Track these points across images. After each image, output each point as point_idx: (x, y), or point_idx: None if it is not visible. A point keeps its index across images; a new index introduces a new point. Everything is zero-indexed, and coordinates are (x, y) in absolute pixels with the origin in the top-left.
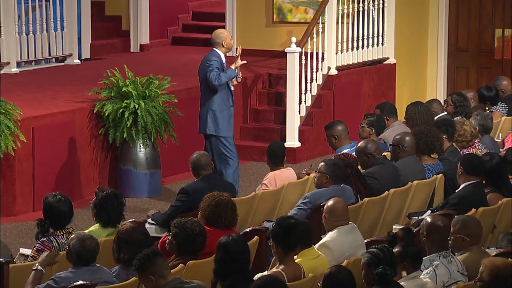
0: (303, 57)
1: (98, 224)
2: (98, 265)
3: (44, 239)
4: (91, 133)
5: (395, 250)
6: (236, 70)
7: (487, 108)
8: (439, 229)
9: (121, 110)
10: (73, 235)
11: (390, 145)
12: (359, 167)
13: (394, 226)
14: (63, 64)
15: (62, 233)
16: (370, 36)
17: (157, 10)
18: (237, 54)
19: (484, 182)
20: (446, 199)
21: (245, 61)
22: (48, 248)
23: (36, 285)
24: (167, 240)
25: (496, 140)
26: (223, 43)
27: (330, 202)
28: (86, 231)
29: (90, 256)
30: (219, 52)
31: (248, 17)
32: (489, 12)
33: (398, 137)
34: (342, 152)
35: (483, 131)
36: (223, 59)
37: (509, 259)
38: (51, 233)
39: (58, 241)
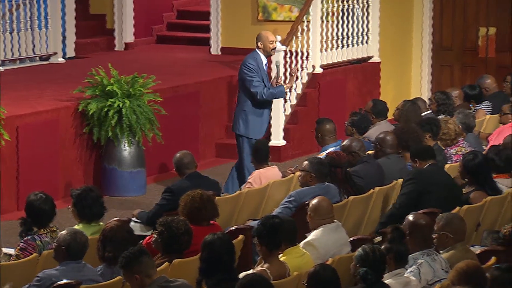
0: (288, 55)
1: (81, 223)
2: (83, 262)
3: (28, 237)
4: (75, 132)
5: (383, 246)
6: (286, 89)
7: (471, 107)
8: (421, 228)
9: (105, 109)
10: (62, 231)
11: (372, 143)
12: None
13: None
14: (47, 62)
15: (46, 232)
16: (355, 34)
17: (142, 9)
18: (293, 74)
19: (467, 180)
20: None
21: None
22: (32, 246)
23: None
24: (153, 239)
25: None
26: (259, 44)
27: (314, 201)
28: None
29: (80, 251)
30: (259, 53)
31: (233, 15)
32: (473, 10)
33: (380, 136)
34: (334, 151)
35: (465, 129)
36: (263, 61)
37: (494, 257)
38: (35, 231)
39: (42, 239)
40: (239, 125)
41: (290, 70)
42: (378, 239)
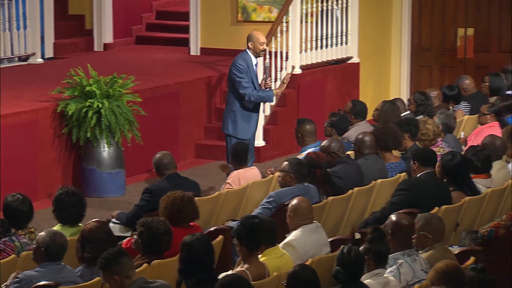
0: (267, 56)
1: (59, 224)
2: (63, 264)
3: (6, 239)
4: (54, 133)
5: (362, 246)
6: (276, 96)
7: (450, 107)
8: (403, 228)
9: (84, 110)
10: (42, 232)
11: (353, 143)
12: None
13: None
14: (26, 63)
15: (24, 233)
16: (334, 35)
17: (121, 9)
18: (284, 81)
19: (445, 180)
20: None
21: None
22: (10, 248)
23: None
24: (133, 240)
25: (458, 138)
26: (250, 45)
27: (294, 201)
28: None
29: (59, 252)
30: (249, 54)
31: (212, 16)
32: (452, 11)
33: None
34: (313, 151)
35: (446, 130)
36: (253, 62)
37: (472, 257)
38: (13, 233)
39: (20, 240)
40: (228, 125)
41: (283, 76)
42: (358, 235)
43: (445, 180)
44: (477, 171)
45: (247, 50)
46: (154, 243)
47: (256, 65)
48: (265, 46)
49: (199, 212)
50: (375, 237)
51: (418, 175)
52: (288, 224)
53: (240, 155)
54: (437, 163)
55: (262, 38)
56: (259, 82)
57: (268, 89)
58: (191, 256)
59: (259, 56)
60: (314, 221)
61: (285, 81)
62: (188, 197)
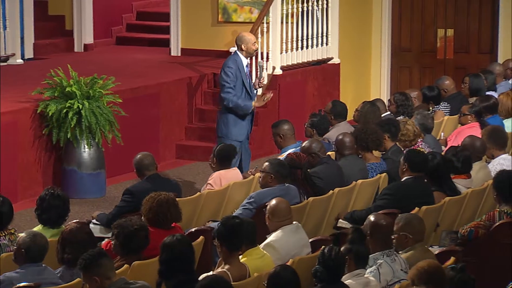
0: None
1: (40, 225)
2: (44, 265)
3: None
4: (34, 134)
5: (343, 247)
6: (253, 107)
7: (430, 108)
8: (382, 228)
9: (65, 110)
10: (22, 234)
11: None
12: None
13: (340, 220)
14: (5, 64)
15: (4, 234)
16: (315, 36)
17: (101, 10)
18: (265, 98)
19: (426, 180)
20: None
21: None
22: None
23: None
24: (112, 244)
25: (438, 139)
26: (243, 47)
27: (272, 202)
28: None
29: (39, 253)
30: (240, 55)
31: (193, 17)
32: (432, 12)
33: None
34: (294, 152)
35: (423, 130)
36: (244, 63)
37: (452, 257)
38: None
39: (0, 242)
40: (221, 126)
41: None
42: (343, 222)
43: (425, 180)
44: (457, 172)
45: (238, 52)
46: (131, 240)
47: (247, 66)
48: (257, 45)
49: (181, 214)
50: (355, 238)
51: (404, 178)
52: (268, 225)
53: (228, 156)
54: None
55: (254, 38)
56: (253, 81)
57: (254, 90)
58: (171, 257)
59: (253, 56)
60: (294, 222)
61: (265, 99)
62: (172, 200)
